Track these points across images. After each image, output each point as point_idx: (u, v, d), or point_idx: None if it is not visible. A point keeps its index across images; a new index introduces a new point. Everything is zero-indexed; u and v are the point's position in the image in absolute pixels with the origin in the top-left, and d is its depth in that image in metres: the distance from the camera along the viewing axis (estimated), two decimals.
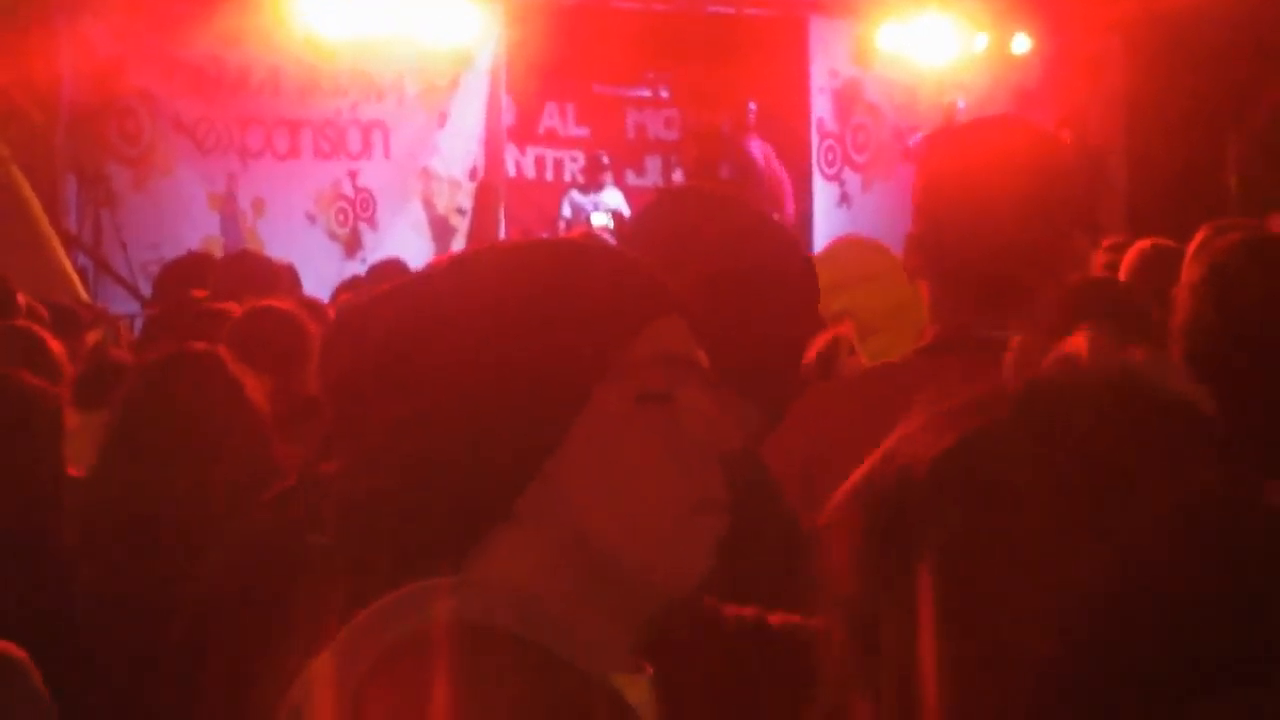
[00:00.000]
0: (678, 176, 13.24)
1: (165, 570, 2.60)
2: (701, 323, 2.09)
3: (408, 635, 1.07)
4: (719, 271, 2.02)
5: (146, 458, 2.88)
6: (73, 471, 3.37)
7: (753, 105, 12.92)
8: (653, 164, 13.62)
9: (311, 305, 5.86)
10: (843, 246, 5.36)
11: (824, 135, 13.64)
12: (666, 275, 1.24)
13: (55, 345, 4.05)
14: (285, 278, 8.52)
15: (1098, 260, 7.42)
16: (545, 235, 11.41)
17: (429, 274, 1.27)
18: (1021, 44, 13.20)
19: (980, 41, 13.11)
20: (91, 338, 6.02)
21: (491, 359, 1.15)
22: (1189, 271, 2.58)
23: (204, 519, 2.63)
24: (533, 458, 1.15)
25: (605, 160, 12.61)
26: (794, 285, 2.07)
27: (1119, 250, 7.28)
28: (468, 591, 1.13)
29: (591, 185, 12.45)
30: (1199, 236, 4.61)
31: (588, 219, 12.00)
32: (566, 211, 12.28)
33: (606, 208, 12.18)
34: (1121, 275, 5.61)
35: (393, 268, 6.99)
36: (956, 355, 1.91)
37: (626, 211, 12.17)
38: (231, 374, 2.94)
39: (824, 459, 1.88)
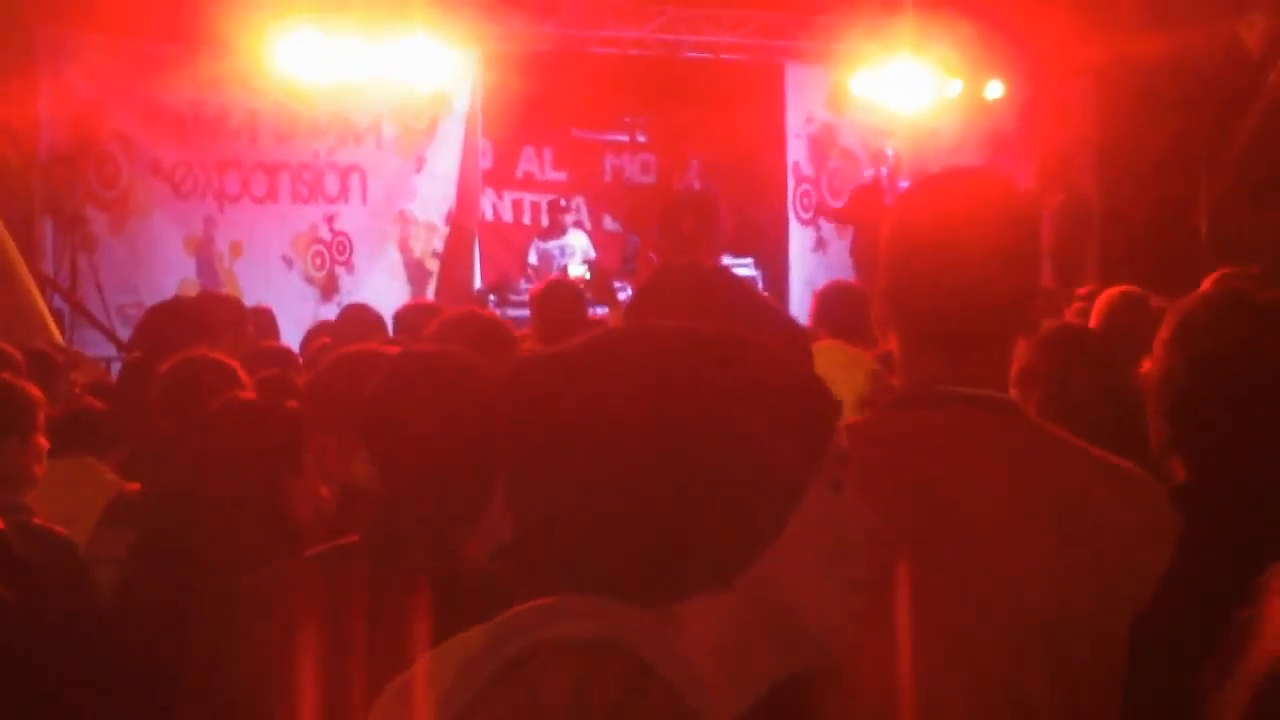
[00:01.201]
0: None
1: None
2: None
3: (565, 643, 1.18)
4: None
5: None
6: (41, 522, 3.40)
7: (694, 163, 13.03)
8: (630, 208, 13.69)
9: (284, 353, 5.88)
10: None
11: (800, 180, 13.73)
12: None
13: (30, 390, 4.04)
14: (263, 321, 8.56)
15: (1070, 306, 7.52)
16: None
17: (623, 352, 1.32)
18: (995, 90, 13.32)
19: (954, 87, 13.23)
20: (68, 381, 6.00)
21: (716, 451, 1.24)
22: (1162, 327, 2.63)
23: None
24: (759, 546, 1.25)
25: (563, 203, 12.61)
26: (795, 333, 2.21)
27: (1092, 297, 7.36)
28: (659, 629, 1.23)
29: (554, 230, 12.42)
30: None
31: (558, 266, 12.00)
32: (533, 259, 12.26)
33: (572, 251, 12.18)
34: (1092, 322, 5.68)
35: (361, 312, 7.01)
36: (930, 410, 1.93)
37: (593, 254, 12.19)
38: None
39: None
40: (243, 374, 3.98)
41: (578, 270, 11.28)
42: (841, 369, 4.84)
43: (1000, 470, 1.87)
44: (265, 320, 9.03)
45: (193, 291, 10.71)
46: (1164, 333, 2.58)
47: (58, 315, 9.55)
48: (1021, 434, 1.93)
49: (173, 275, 10.85)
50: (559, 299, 6.09)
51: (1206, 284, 4.61)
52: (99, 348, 9.45)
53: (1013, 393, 3.47)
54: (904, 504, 1.83)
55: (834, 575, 1.28)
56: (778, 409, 1.28)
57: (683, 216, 12.83)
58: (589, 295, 8.98)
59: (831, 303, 6.03)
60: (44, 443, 3.80)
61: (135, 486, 3.95)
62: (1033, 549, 1.83)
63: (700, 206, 12.93)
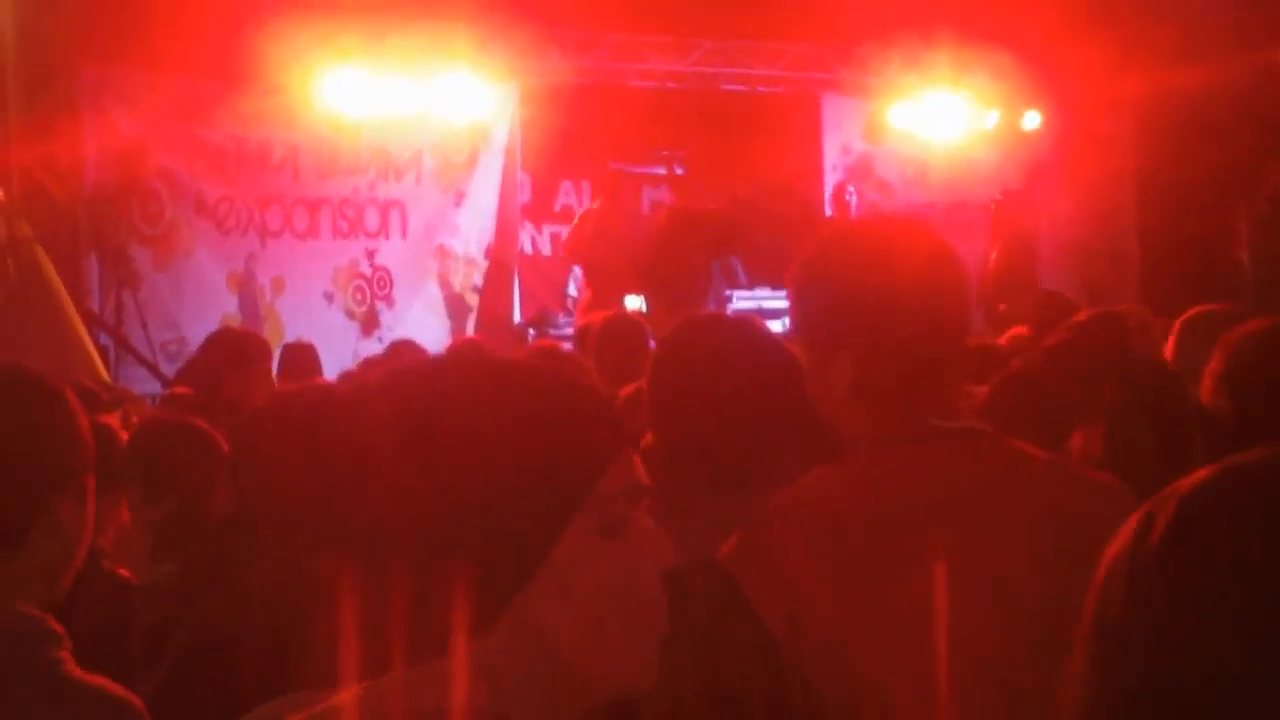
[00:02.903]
0: None
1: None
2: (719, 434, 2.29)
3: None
4: (737, 389, 2.35)
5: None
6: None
7: None
8: None
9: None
10: None
11: (838, 210, 13.74)
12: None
13: (121, 434, 4.04)
14: (305, 356, 8.62)
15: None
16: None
17: (433, 374, 1.33)
18: (1032, 120, 13.32)
19: (991, 118, 13.24)
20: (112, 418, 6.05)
21: (480, 483, 1.23)
22: (1211, 362, 2.65)
23: None
24: (507, 589, 1.23)
25: None
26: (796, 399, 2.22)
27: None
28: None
29: None
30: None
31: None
32: (573, 291, 12.30)
33: None
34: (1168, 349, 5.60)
35: (406, 349, 7.04)
36: (918, 446, 1.98)
37: None
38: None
39: (832, 555, 1.93)
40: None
41: (634, 302, 11.30)
42: None
43: (998, 498, 1.95)
44: (307, 356, 9.10)
45: (235, 327, 10.79)
46: (1211, 367, 2.59)
47: (103, 351, 9.64)
48: (1010, 461, 2.00)
49: (215, 311, 10.92)
50: (620, 333, 5.98)
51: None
52: (144, 384, 9.52)
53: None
54: (914, 539, 1.87)
55: (607, 617, 1.26)
56: (553, 451, 1.25)
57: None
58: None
59: None
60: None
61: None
62: (1040, 573, 1.88)
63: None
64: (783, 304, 12.37)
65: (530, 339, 11.45)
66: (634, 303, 11.27)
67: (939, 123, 13.16)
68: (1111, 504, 1.92)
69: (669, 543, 1.30)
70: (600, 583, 1.25)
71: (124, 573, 3.57)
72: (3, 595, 2.01)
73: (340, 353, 10.64)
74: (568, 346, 7.90)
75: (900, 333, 1.99)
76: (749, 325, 2.63)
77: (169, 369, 9.59)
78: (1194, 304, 9.95)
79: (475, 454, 1.23)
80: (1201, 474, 0.96)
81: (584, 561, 1.24)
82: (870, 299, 2.00)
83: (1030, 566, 1.88)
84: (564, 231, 13.30)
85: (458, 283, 12.44)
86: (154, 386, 9.48)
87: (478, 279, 12.48)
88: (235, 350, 6.00)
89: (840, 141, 13.86)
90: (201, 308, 10.85)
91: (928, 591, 1.81)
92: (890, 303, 1.99)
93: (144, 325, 10.36)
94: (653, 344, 5.98)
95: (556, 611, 1.24)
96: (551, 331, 11.57)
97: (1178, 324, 5.24)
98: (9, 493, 2.07)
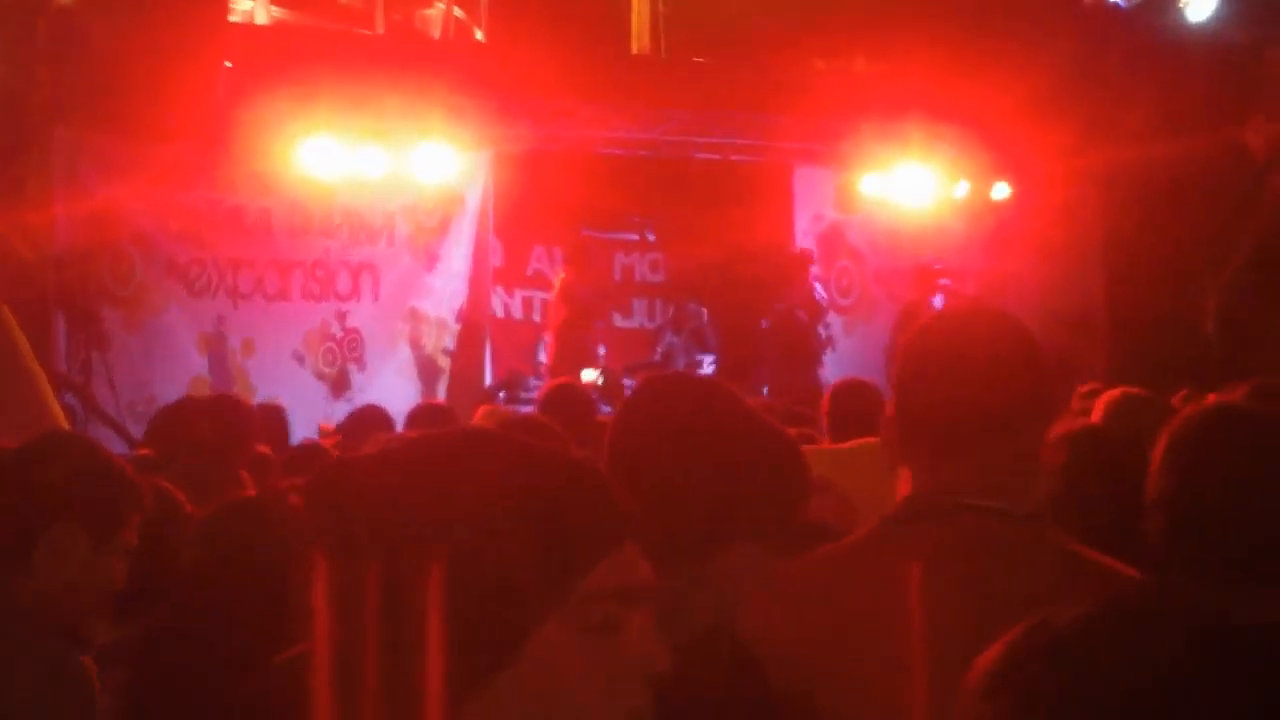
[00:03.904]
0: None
1: None
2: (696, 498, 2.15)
3: None
4: (707, 453, 2.17)
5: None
6: None
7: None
8: (639, 306, 13.78)
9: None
10: None
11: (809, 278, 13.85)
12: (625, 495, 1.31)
13: None
14: (273, 418, 8.59)
15: (1072, 406, 7.53)
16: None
17: (431, 450, 1.31)
18: (1001, 191, 13.45)
19: (961, 188, 13.37)
20: None
21: (469, 565, 1.21)
22: (1158, 445, 2.67)
23: None
24: (480, 669, 1.22)
25: None
26: (782, 461, 2.16)
27: (1092, 396, 7.38)
28: None
29: None
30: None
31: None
32: (542, 355, 12.35)
33: None
34: (1094, 419, 5.69)
35: (371, 413, 7.04)
36: (930, 524, 1.99)
37: (602, 350, 12.26)
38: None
39: (824, 639, 1.95)
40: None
41: (589, 375, 11.33)
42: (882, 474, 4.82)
43: (999, 585, 1.90)
44: (275, 417, 9.07)
45: (204, 388, 10.77)
46: (1156, 450, 2.61)
47: (70, 412, 9.59)
48: (1026, 544, 1.98)
49: (185, 372, 10.91)
50: (568, 402, 6.09)
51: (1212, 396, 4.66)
52: (110, 444, 9.47)
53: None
54: (900, 620, 1.86)
55: (585, 712, 1.23)
56: (541, 539, 1.23)
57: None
58: (600, 397, 9.06)
59: (847, 399, 5.97)
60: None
61: None
62: None
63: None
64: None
65: (500, 401, 11.47)
66: (589, 375, 11.31)
67: (910, 193, 13.28)
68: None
69: (665, 648, 1.26)
70: (577, 681, 1.23)
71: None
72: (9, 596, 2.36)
73: (309, 414, 10.62)
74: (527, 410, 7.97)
75: (922, 402, 2.04)
76: (708, 388, 2.52)
77: (137, 430, 9.55)
78: (1161, 374, 10.03)
79: (470, 532, 1.22)
80: (1046, 629, 1.00)
81: (562, 657, 1.22)
82: (904, 370, 2.08)
83: None
84: (536, 296, 13.37)
85: (429, 345, 12.45)
86: (121, 447, 9.43)
87: (449, 341, 12.50)
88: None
89: (812, 210, 13.96)
90: (171, 368, 10.84)
91: (910, 675, 1.82)
92: (918, 371, 2.06)
93: (112, 385, 10.34)
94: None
95: (529, 702, 1.22)
96: (522, 394, 11.60)
97: (1099, 402, 5.34)
98: (18, 505, 2.49)
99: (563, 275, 12.34)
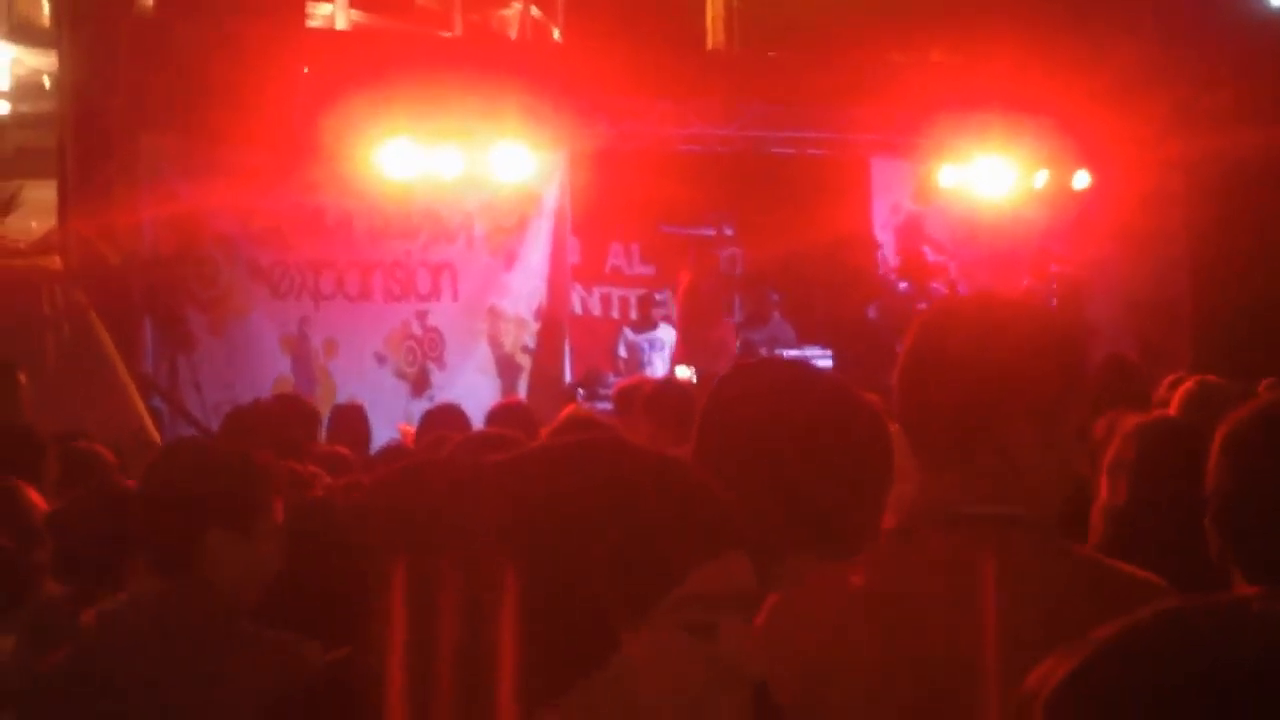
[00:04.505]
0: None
1: None
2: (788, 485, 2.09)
3: None
4: (801, 436, 2.11)
5: None
6: None
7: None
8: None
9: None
10: None
11: (888, 270, 13.79)
12: (734, 504, 1.30)
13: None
14: (354, 417, 8.70)
15: (1157, 396, 7.45)
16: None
17: (554, 458, 1.32)
18: (1082, 180, 13.29)
19: (1040, 178, 13.23)
20: None
21: (549, 572, 1.22)
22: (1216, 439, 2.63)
23: None
24: (574, 668, 1.22)
25: (658, 298, 12.79)
26: (867, 446, 2.10)
27: (1175, 386, 7.29)
28: None
29: (644, 323, 12.58)
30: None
31: (646, 358, 12.16)
32: (622, 351, 12.43)
33: (661, 344, 12.32)
34: (1172, 410, 5.63)
35: (448, 413, 7.10)
36: (939, 535, 1.92)
37: None
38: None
39: (830, 659, 1.90)
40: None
41: (684, 373, 11.38)
42: None
43: (1007, 597, 1.85)
44: (357, 417, 9.18)
45: (288, 389, 10.91)
46: (1214, 445, 2.58)
47: (156, 414, 9.77)
48: (1035, 554, 1.90)
49: (269, 374, 11.06)
50: (672, 400, 5.98)
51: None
52: None
53: (1103, 481, 3.46)
54: (896, 637, 1.85)
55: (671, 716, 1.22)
56: (640, 540, 1.22)
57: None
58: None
59: None
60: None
61: None
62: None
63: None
64: (828, 362, 12.46)
65: (580, 398, 11.53)
66: (684, 372, 11.36)
67: (988, 183, 13.17)
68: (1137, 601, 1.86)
69: (763, 655, 1.26)
70: (668, 684, 1.22)
71: None
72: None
73: (391, 413, 10.72)
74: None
75: (927, 414, 1.94)
76: (799, 371, 2.42)
77: None
78: (1246, 361, 9.89)
79: (548, 537, 1.23)
80: (1105, 633, 0.99)
81: (654, 659, 1.21)
82: (905, 370, 1.98)
83: (1009, 666, 1.80)
84: (614, 292, 13.41)
85: (508, 343, 12.52)
86: None
87: (528, 339, 12.57)
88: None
89: (890, 202, 13.89)
90: (256, 370, 10.99)
91: (923, 684, 1.81)
92: (921, 385, 1.95)
93: (198, 388, 10.50)
94: None
95: (616, 705, 1.21)
96: (601, 391, 11.65)
97: (1178, 393, 5.26)
98: (169, 526, 2.79)
99: (686, 275, 12.44)
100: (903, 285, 13.51)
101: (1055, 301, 12.89)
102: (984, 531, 1.89)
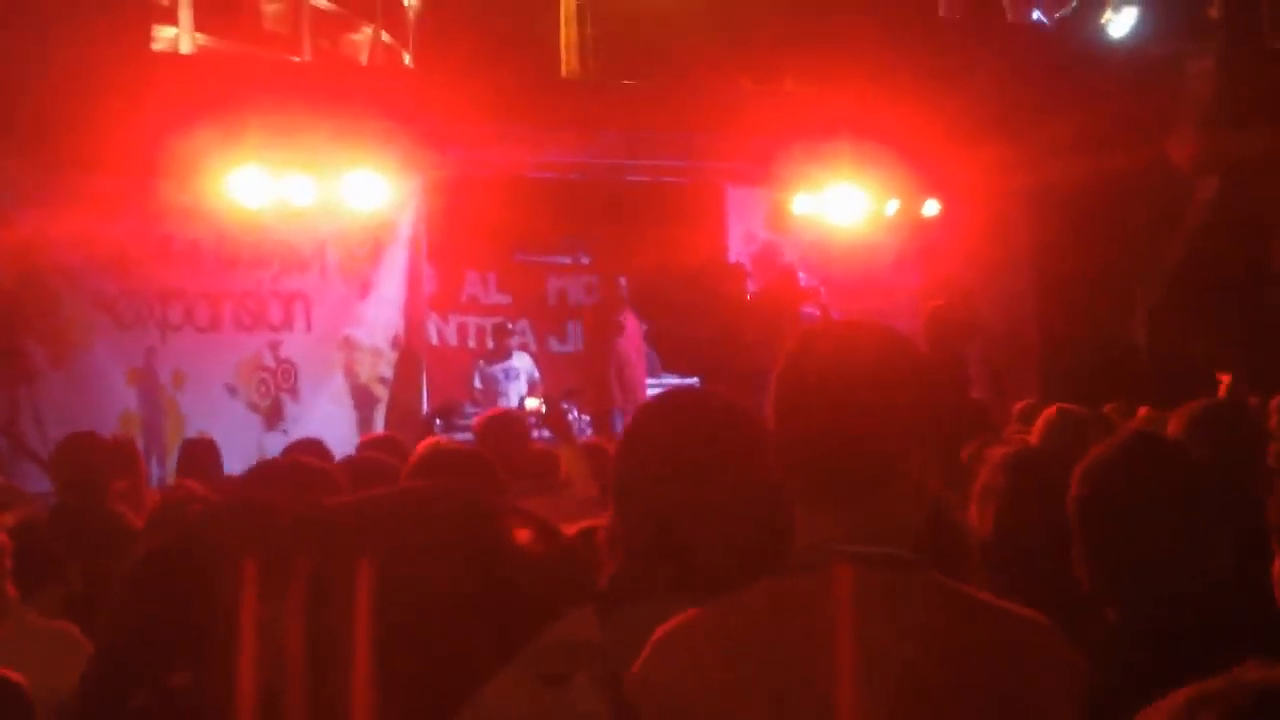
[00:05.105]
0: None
1: None
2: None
3: None
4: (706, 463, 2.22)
5: None
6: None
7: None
8: (575, 329, 13.75)
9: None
10: None
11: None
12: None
13: None
14: (204, 451, 8.49)
15: (1007, 424, 7.58)
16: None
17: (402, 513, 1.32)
18: (931, 208, 13.54)
19: (892, 206, 13.45)
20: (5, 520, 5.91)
21: (411, 625, 1.23)
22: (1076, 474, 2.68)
23: None
24: (436, 712, 1.23)
25: (511, 327, 12.72)
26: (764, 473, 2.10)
27: (1026, 413, 7.43)
28: None
29: (499, 353, 12.49)
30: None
31: (503, 388, 12.08)
32: (478, 383, 12.31)
33: (517, 373, 12.25)
34: (1033, 439, 5.72)
35: (310, 447, 6.95)
36: (813, 575, 1.88)
37: (536, 375, 12.27)
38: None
39: (690, 698, 1.87)
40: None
41: (533, 404, 11.31)
42: None
43: (891, 639, 1.83)
44: (207, 451, 8.96)
45: (134, 423, 10.63)
46: (1072, 482, 2.62)
47: None
48: (920, 594, 1.88)
49: (114, 407, 10.76)
50: (500, 430, 6.03)
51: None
52: (38, 482, 9.32)
53: (973, 509, 3.51)
54: (756, 677, 1.82)
55: None
56: (474, 590, 1.25)
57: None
58: (541, 424, 9.03)
59: None
60: (11, 591, 3.77)
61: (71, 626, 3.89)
62: (932, 714, 1.79)
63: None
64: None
65: (438, 429, 11.40)
66: (533, 403, 11.30)
67: (841, 211, 13.35)
68: (1030, 647, 1.85)
69: (606, 707, 1.29)
70: None
71: (14, 676, 3.48)
72: None
73: (244, 446, 10.51)
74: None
75: (804, 451, 1.90)
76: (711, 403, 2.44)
77: None
78: (1092, 386, 10.10)
79: (425, 592, 1.23)
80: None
81: (511, 708, 1.23)
82: (784, 416, 1.93)
83: (896, 708, 1.80)
84: (470, 321, 13.30)
85: (364, 374, 12.35)
86: (47, 486, 9.27)
87: (385, 370, 12.41)
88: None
89: (744, 229, 13.99)
90: (100, 403, 10.69)
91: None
92: (796, 420, 1.91)
93: (39, 422, 10.18)
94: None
95: None
96: (459, 422, 11.53)
97: (1038, 421, 5.36)
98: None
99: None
100: (810, 310, 13.48)
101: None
102: (864, 570, 1.86)
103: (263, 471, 3.53)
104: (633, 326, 12.96)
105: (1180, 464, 2.61)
